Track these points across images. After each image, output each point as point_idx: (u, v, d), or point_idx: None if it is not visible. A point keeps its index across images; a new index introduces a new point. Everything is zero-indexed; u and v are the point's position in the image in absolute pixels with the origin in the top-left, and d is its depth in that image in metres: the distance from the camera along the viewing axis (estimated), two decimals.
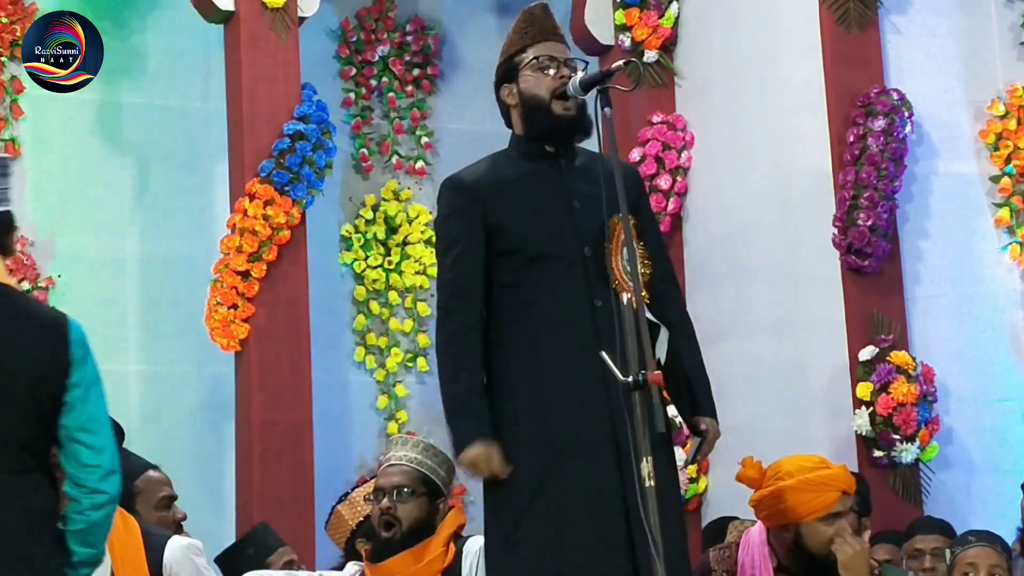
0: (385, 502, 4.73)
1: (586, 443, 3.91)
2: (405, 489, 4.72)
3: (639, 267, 3.90)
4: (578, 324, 3.98)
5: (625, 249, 3.91)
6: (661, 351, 4.03)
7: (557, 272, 4.02)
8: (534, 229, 4.04)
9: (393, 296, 8.54)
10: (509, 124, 4.22)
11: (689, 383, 4.02)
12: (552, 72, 4.10)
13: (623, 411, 3.81)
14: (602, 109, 3.91)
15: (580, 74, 4.07)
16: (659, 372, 3.64)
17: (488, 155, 4.22)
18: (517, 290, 4.05)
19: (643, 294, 3.87)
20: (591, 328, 3.95)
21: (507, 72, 4.19)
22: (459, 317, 4.05)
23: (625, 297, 3.75)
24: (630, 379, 3.61)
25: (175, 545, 4.40)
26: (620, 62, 3.96)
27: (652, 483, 3.57)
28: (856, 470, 6.90)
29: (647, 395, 3.62)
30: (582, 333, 3.97)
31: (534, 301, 4.02)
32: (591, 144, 4.13)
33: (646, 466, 3.57)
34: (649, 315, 3.94)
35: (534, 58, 4.13)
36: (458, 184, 4.13)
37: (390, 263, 8.55)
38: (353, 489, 5.65)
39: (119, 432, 4.56)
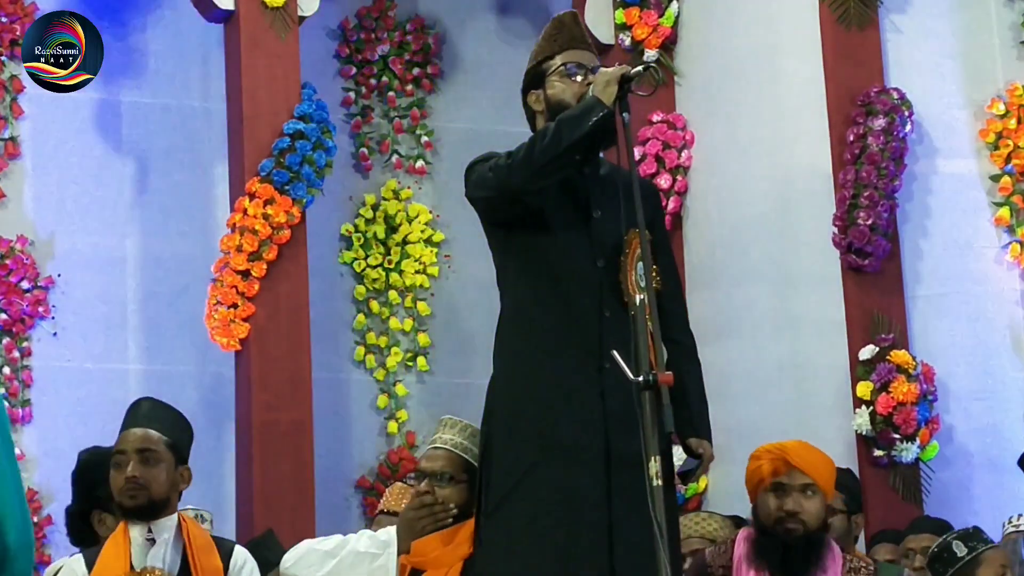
0: (424, 485, 4.75)
1: (575, 447, 3.93)
2: (445, 475, 4.74)
3: (652, 283, 3.91)
4: (585, 331, 4.00)
5: (640, 264, 3.92)
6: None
7: (570, 276, 4.04)
8: (552, 230, 4.06)
9: (393, 295, 8.54)
10: (534, 129, 4.22)
11: (688, 403, 4.01)
12: (579, 79, 4.11)
13: (620, 421, 3.85)
14: (620, 114, 3.92)
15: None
16: (669, 373, 3.64)
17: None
18: (531, 283, 4.07)
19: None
20: (597, 337, 3.97)
21: (535, 78, 4.21)
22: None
23: (638, 299, 3.76)
24: (641, 379, 3.61)
25: (240, 551, 4.54)
26: (640, 67, 3.96)
27: (660, 482, 3.56)
28: (856, 469, 6.92)
29: (657, 395, 3.63)
30: (587, 341, 3.98)
31: (545, 300, 4.04)
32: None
33: (654, 465, 3.57)
34: None
35: (562, 64, 4.15)
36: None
37: (390, 262, 8.55)
38: None
39: (188, 428, 4.57)
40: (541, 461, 3.94)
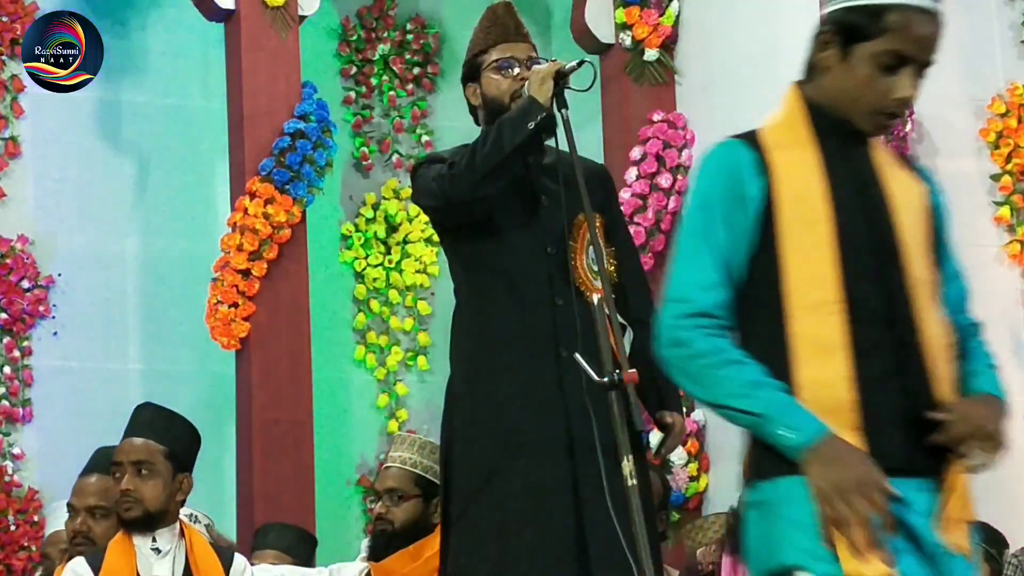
0: (379, 507, 4.83)
1: (539, 440, 3.90)
2: (397, 493, 4.81)
3: (606, 266, 3.89)
4: (537, 321, 3.96)
5: (591, 248, 3.90)
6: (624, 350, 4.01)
7: (519, 267, 4.00)
8: (499, 221, 4.03)
9: (393, 295, 8.53)
10: (478, 122, 4.20)
11: (655, 379, 3.98)
12: (513, 73, 4.08)
13: (580, 410, 3.82)
14: (558, 110, 3.89)
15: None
16: (634, 371, 3.62)
17: (459, 145, 4.16)
18: (482, 279, 4.05)
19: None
20: (551, 326, 3.94)
21: (471, 72, 4.17)
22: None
23: (596, 298, 3.74)
24: (606, 379, 3.60)
25: (240, 558, 4.61)
26: (573, 62, 3.93)
27: (635, 482, 3.55)
28: None
29: (623, 394, 3.61)
30: (541, 331, 3.95)
31: (496, 294, 4.02)
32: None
33: (627, 465, 3.55)
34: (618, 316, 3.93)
35: (495, 60, 4.11)
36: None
37: (390, 262, 8.55)
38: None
39: (192, 434, 4.58)
40: (504, 459, 3.90)
